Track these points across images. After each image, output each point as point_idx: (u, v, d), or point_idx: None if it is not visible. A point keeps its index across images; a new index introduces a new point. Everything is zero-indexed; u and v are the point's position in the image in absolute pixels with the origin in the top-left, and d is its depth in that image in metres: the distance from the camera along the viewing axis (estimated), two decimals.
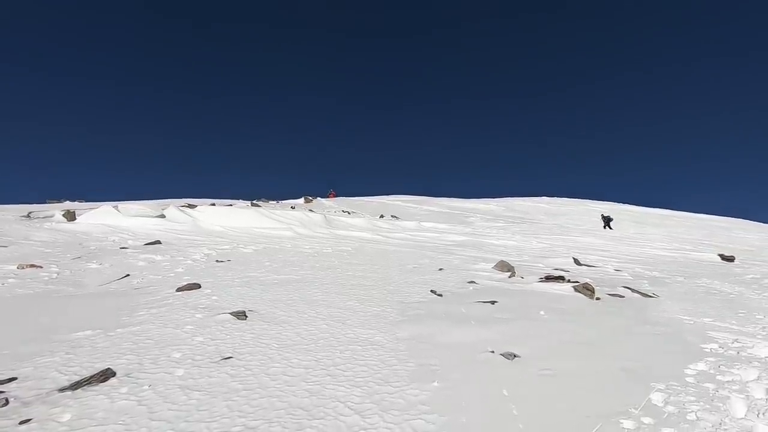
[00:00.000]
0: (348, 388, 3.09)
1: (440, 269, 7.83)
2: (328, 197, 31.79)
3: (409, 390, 3.07)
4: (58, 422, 2.58)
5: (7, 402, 2.76)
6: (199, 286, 5.94)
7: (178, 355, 3.59)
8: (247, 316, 4.63)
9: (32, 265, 6.99)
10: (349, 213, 20.25)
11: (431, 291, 6.05)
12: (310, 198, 28.55)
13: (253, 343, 3.91)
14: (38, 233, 9.96)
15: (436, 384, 3.16)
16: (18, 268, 6.83)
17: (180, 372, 3.29)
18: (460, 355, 3.71)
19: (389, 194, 37.59)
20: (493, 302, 5.35)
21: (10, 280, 6.17)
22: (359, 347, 3.88)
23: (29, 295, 5.60)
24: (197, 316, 4.64)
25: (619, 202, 40.02)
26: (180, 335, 4.06)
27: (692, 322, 4.72)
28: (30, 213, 13.30)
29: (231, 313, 4.65)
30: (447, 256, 9.75)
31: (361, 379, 3.23)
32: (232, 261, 8.14)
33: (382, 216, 20.72)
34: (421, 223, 17.37)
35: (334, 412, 2.77)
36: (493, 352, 3.73)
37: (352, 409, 2.80)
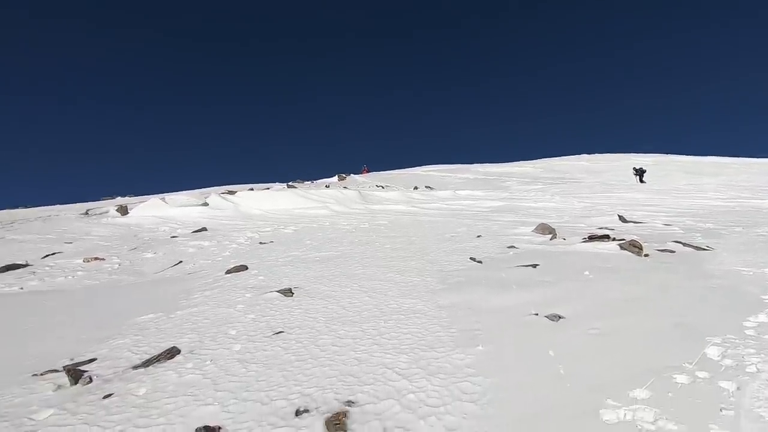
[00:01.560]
0: (395, 355, 3.19)
1: (478, 236, 7.76)
2: (361, 173, 31.92)
3: (455, 354, 3.13)
4: (136, 396, 2.87)
5: (91, 380, 3.09)
6: (246, 268, 6.24)
7: (233, 332, 3.84)
8: (293, 293, 4.84)
9: (96, 258, 7.58)
10: (383, 187, 20.31)
11: (470, 258, 6.04)
12: (344, 175, 28.77)
13: (301, 318, 4.10)
14: (97, 228, 10.74)
15: (480, 348, 3.20)
16: (84, 261, 7.44)
17: (237, 347, 3.52)
18: (502, 319, 3.72)
19: (423, 165, 37.19)
20: (534, 266, 5.28)
21: (79, 273, 6.75)
22: (402, 316, 3.97)
23: (96, 285, 6.12)
24: (247, 295, 4.90)
25: (666, 153, 37.56)
26: (233, 314, 4.32)
27: (752, 273, 4.46)
28: (88, 210, 14.34)
29: (278, 291, 4.87)
30: (485, 222, 9.64)
31: (406, 347, 3.33)
32: (275, 242, 8.45)
33: (416, 188, 20.62)
34: (456, 192, 17.15)
35: (384, 378, 2.88)
36: (536, 314, 3.71)
37: (400, 375, 2.91)
